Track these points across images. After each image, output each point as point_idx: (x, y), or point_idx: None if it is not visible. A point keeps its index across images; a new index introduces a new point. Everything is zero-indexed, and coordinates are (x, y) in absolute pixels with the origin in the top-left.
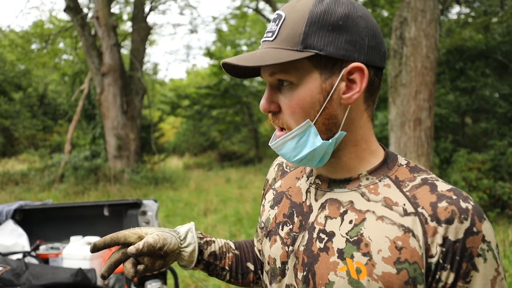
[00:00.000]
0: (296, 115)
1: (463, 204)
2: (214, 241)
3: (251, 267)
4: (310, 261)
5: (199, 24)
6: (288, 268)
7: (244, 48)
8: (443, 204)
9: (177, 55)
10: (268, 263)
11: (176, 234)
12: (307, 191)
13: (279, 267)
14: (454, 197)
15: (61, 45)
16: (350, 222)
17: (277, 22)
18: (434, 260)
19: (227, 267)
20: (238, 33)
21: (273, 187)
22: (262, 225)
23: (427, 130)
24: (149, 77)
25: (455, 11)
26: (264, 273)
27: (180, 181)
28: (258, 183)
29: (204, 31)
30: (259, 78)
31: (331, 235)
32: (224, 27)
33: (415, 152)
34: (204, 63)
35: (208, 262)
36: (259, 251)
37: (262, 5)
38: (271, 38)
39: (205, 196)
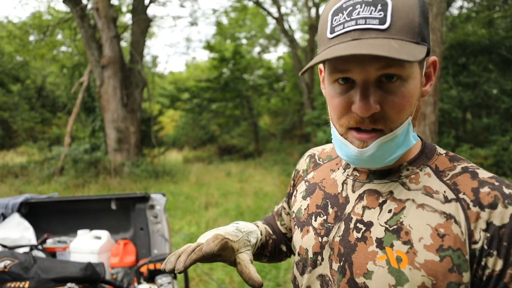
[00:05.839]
0: (403, 113)
1: (506, 190)
2: (262, 233)
3: (284, 248)
4: (347, 251)
5: (199, 17)
6: (322, 258)
7: (244, 41)
8: (485, 189)
9: (177, 48)
10: (299, 254)
11: (242, 245)
12: (344, 182)
13: (310, 257)
14: (497, 183)
15: (60, 36)
16: (389, 211)
17: (378, 8)
18: (478, 246)
19: (268, 254)
20: (238, 26)
21: (305, 178)
22: (294, 215)
23: (431, 125)
24: (148, 70)
25: (457, 5)
26: (294, 264)
27: (180, 174)
28: (258, 177)
29: (204, 24)
30: (258, 72)
31: (369, 224)
32: (225, 20)
33: None
34: (204, 56)
35: (254, 254)
36: (284, 234)
37: None
38: (383, 26)
39: (205, 189)
